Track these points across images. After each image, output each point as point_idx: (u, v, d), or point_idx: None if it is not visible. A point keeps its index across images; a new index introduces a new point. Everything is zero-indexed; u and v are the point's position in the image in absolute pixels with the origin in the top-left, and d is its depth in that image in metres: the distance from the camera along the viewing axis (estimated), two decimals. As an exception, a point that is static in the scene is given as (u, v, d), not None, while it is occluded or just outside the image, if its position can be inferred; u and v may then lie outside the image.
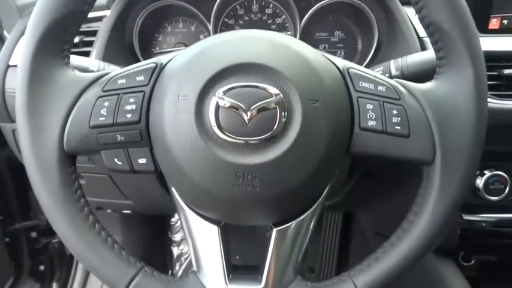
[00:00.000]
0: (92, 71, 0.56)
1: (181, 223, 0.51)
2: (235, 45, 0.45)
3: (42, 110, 0.45)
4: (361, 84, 0.46)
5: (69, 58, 0.47)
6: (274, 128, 0.41)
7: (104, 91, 0.46)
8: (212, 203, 0.45)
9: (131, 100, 0.45)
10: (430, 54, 0.59)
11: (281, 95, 0.41)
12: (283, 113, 0.41)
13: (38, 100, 0.45)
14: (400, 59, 0.60)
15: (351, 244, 1.35)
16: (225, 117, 0.41)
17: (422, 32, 0.71)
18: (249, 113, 0.41)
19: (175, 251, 1.45)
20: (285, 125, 0.41)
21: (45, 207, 0.45)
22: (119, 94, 0.45)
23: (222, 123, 0.41)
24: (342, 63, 0.48)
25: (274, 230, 0.47)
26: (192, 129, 0.42)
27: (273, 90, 0.41)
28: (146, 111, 0.45)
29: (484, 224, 0.78)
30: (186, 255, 1.45)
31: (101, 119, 0.45)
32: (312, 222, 0.49)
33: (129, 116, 0.45)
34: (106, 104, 0.45)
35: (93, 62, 0.60)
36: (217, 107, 0.41)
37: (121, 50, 0.75)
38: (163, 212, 1.20)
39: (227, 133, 0.41)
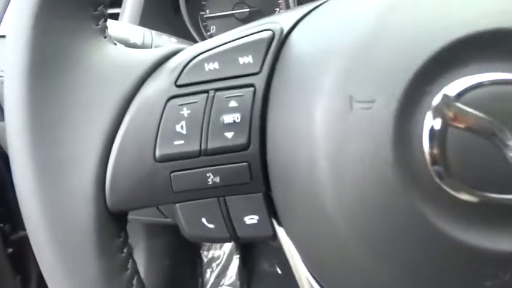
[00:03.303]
0: (135, 45, 0.34)
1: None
2: None
3: (60, 124, 0.23)
4: None
5: (106, 20, 0.25)
6: None
7: (179, 86, 0.23)
8: None
9: (232, 104, 0.23)
10: None
11: None
12: None
13: (52, 104, 0.22)
14: None
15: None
16: (460, 148, 0.19)
17: None
18: None
19: (206, 255, 1.27)
20: None
21: None
22: (208, 92, 0.23)
23: (453, 162, 0.19)
24: None
25: None
26: (385, 169, 0.20)
27: None
28: (260, 125, 0.23)
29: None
30: (217, 261, 1.27)
31: (176, 142, 0.23)
32: None
33: (229, 135, 0.23)
34: (185, 112, 0.23)
35: (135, 30, 0.37)
36: (445, 125, 0.19)
37: (162, 12, 0.52)
38: None
39: (466, 186, 0.19)
